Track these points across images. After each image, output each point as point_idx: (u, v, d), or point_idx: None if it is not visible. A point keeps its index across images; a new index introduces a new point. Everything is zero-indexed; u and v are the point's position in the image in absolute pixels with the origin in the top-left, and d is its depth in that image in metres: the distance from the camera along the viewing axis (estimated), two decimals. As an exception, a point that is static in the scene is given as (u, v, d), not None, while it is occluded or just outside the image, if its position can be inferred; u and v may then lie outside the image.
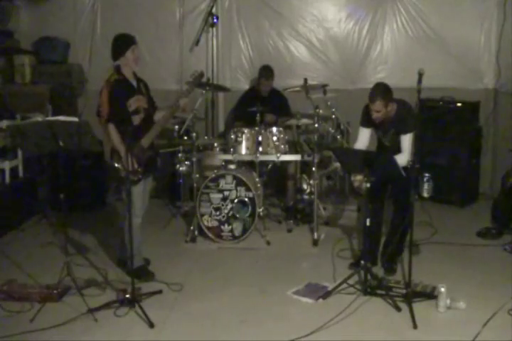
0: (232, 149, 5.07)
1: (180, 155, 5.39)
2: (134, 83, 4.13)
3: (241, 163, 5.24)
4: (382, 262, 4.32)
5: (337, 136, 5.47)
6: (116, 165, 3.98)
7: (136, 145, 3.98)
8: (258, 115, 5.19)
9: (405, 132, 4.08)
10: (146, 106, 4.14)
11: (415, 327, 3.44)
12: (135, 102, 4.04)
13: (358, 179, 4.08)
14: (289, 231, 5.23)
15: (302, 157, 5.10)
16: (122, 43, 4.04)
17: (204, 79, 4.92)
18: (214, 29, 6.41)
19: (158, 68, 6.44)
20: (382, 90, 4.03)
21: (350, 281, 3.97)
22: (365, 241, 4.03)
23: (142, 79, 4.23)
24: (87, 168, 5.77)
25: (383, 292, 3.81)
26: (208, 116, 6.47)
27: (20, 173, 5.60)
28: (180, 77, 6.38)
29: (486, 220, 5.29)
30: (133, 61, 4.05)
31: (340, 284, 3.95)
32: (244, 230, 4.88)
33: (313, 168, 4.93)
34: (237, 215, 4.89)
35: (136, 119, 4.04)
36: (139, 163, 4.00)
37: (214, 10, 6.29)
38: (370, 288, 3.85)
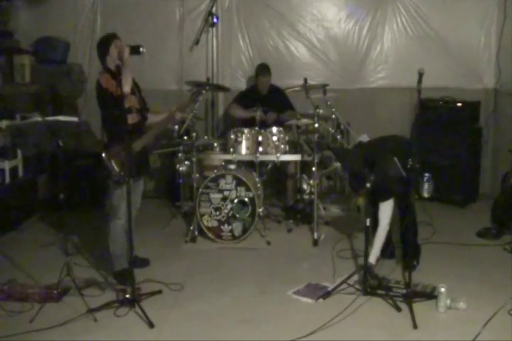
0: (232, 149, 5.07)
1: (180, 155, 5.39)
2: None
3: (241, 163, 5.24)
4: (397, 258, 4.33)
5: (337, 136, 5.48)
6: (109, 163, 3.90)
7: (127, 147, 3.80)
8: (258, 115, 5.19)
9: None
10: (139, 107, 4.08)
11: (415, 327, 3.43)
12: (127, 102, 3.86)
13: (360, 202, 4.04)
14: (289, 231, 5.23)
15: (302, 157, 5.10)
16: (104, 42, 3.95)
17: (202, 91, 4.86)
18: (214, 29, 6.41)
19: (158, 68, 6.44)
20: None
21: (350, 281, 3.98)
22: (366, 242, 4.03)
23: (133, 79, 4.07)
24: (87, 168, 5.76)
25: (383, 292, 3.81)
26: (208, 116, 6.47)
27: (20, 173, 5.59)
28: (180, 77, 6.37)
29: (486, 220, 5.29)
30: (117, 55, 3.78)
31: (340, 284, 3.95)
32: (244, 230, 4.89)
33: (313, 168, 4.93)
34: (237, 215, 4.89)
35: (128, 119, 3.90)
36: (123, 166, 3.87)
37: (214, 10, 6.29)
38: (370, 288, 3.85)
